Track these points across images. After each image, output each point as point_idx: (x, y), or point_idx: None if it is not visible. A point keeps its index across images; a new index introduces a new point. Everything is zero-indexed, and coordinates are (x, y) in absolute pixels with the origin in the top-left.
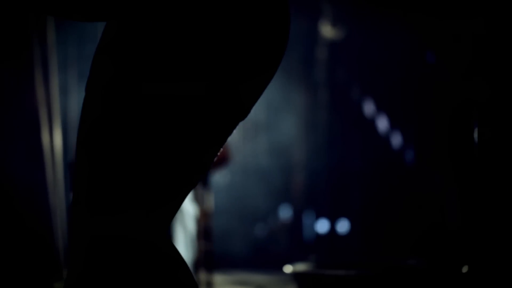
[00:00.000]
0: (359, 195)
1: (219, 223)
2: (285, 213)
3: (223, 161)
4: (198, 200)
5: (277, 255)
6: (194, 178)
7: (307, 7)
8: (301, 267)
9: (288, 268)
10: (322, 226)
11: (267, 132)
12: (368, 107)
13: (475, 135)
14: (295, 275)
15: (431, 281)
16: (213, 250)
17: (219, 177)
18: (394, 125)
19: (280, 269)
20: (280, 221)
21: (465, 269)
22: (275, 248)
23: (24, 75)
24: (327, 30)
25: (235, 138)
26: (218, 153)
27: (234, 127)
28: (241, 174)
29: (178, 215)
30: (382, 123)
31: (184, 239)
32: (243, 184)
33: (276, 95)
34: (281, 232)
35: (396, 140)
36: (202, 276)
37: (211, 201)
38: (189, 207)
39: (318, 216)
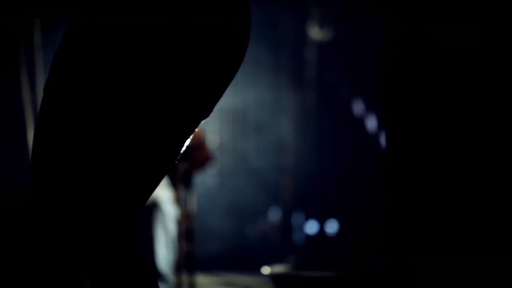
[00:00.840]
0: (348, 195)
1: (207, 224)
2: (274, 214)
3: (204, 162)
4: (179, 201)
5: (267, 256)
6: (157, 175)
7: (294, 9)
8: (278, 268)
9: (265, 270)
10: (311, 227)
11: (257, 133)
12: (358, 107)
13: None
14: (272, 277)
15: (402, 281)
16: (195, 252)
17: (208, 178)
18: (383, 125)
19: None
20: (270, 222)
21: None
22: (265, 249)
23: (9, 76)
24: (315, 32)
25: (225, 139)
26: (201, 155)
27: (196, 126)
28: (231, 175)
29: (159, 216)
30: (371, 123)
31: (165, 240)
32: (232, 185)
33: (266, 96)
34: (271, 233)
35: (385, 140)
36: (184, 278)
37: (193, 202)
38: (170, 209)
39: (308, 217)
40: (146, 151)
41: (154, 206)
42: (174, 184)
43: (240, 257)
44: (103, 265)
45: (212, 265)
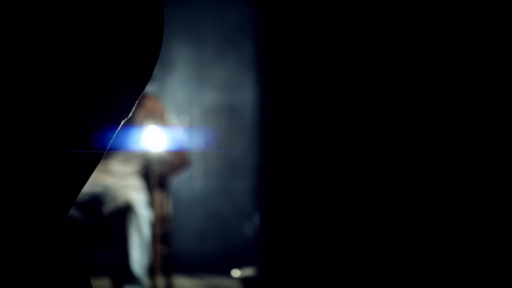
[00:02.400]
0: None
1: (192, 227)
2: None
3: (182, 165)
4: (155, 204)
5: (252, 259)
6: (79, 173)
7: None
8: (247, 271)
9: (235, 273)
10: None
11: (243, 133)
12: None
13: None
14: (241, 280)
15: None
16: (173, 255)
17: (193, 181)
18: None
19: None
20: (256, 225)
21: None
22: (250, 253)
23: None
24: None
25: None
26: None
27: (117, 126)
28: (216, 177)
29: (133, 219)
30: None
31: (139, 243)
32: (218, 187)
33: (252, 96)
34: (256, 236)
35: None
36: (160, 280)
37: (169, 205)
38: (144, 211)
39: None
40: (64, 147)
41: (128, 209)
42: (150, 187)
43: (225, 260)
44: (26, 271)
45: (195, 268)
